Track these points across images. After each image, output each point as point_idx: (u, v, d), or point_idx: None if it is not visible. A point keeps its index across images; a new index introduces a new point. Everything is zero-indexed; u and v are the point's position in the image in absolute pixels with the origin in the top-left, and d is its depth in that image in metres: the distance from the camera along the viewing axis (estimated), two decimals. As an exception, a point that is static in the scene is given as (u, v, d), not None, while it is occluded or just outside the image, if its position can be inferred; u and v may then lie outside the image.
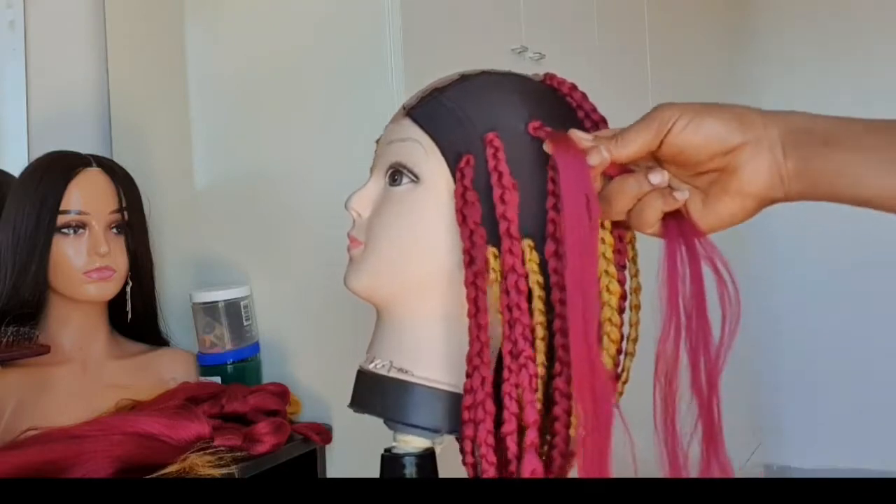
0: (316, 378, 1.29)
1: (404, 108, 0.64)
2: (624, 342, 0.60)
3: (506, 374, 0.57)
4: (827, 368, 3.15)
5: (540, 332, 0.57)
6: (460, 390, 0.61)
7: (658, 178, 0.56)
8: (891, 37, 3.04)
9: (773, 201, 0.56)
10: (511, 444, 0.56)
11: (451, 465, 0.66)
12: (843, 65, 3.09)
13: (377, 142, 0.67)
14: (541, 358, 0.57)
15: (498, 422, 0.57)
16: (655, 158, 0.57)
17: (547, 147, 0.57)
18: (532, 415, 0.56)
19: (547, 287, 0.59)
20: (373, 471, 0.64)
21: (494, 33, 1.52)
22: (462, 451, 0.59)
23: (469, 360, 0.58)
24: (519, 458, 0.56)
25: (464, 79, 0.63)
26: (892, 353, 3.01)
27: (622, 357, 0.60)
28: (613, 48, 2.00)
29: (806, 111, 0.56)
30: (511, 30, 1.55)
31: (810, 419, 3.19)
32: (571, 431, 0.57)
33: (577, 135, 0.57)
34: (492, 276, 0.58)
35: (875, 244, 2.89)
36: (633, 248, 0.62)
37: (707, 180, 0.56)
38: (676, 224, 0.56)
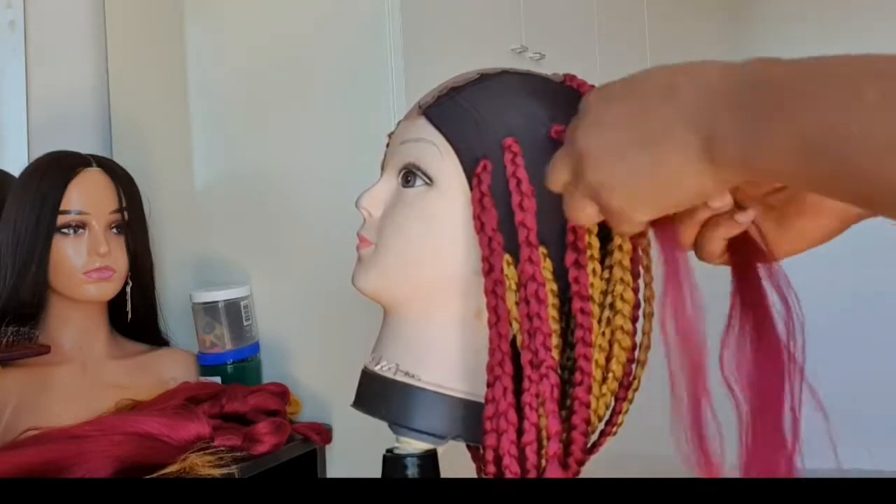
0: (316, 378, 1.29)
1: (419, 105, 0.62)
2: (636, 351, 0.60)
3: (526, 383, 0.56)
4: (827, 368, 3.15)
5: (555, 340, 0.57)
6: (468, 397, 0.60)
7: (718, 202, 0.48)
8: (893, 38, 3.04)
9: (860, 218, 0.48)
10: (531, 454, 0.56)
11: (452, 466, 0.66)
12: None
13: (389, 136, 0.66)
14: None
15: (518, 432, 0.56)
16: None
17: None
18: (555, 425, 0.55)
19: (561, 295, 0.58)
20: (373, 471, 0.64)
21: (494, 33, 1.52)
22: (483, 461, 0.58)
23: (490, 369, 0.58)
24: (538, 467, 0.56)
25: (482, 78, 0.62)
26: (893, 353, 3.02)
27: (633, 366, 0.60)
28: (613, 48, 2.00)
29: None
30: (511, 30, 1.55)
31: (810, 419, 3.18)
32: (590, 438, 0.57)
33: None
34: (505, 283, 0.57)
35: (876, 243, 2.89)
36: (648, 256, 0.60)
37: (783, 197, 0.50)
38: (744, 250, 0.50)
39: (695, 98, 0.42)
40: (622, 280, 0.57)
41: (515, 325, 0.57)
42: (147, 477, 0.94)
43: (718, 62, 0.43)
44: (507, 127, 0.59)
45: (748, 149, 0.40)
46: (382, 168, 0.65)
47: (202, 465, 0.97)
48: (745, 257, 0.50)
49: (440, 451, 0.63)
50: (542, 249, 0.57)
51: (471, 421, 0.60)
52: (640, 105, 0.45)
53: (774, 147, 0.39)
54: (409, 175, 0.61)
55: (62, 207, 1.14)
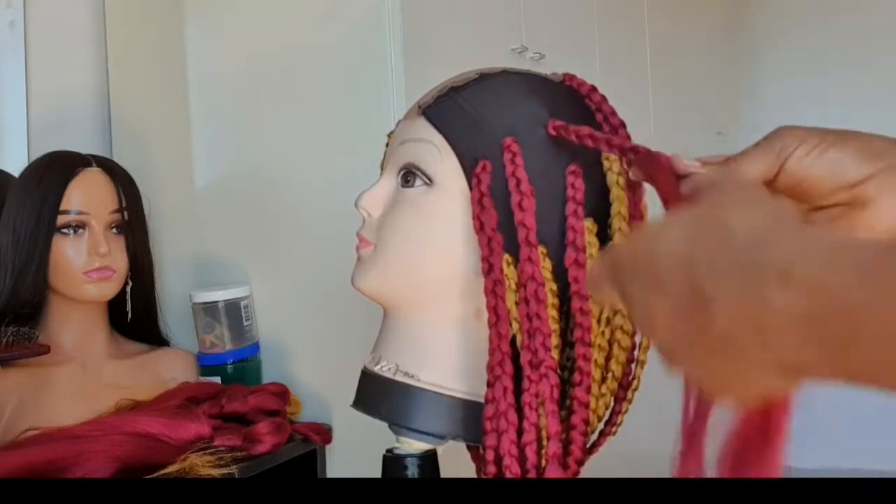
0: (316, 378, 1.29)
1: (419, 105, 0.62)
2: (636, 350, 0.60)
3: (526, 384, 0.56)
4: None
5: (554, 340, 0.57)
6: (468, 397, 0.60)
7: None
8: (889, 35, 3.04)
9: None
10: (531, 454, 0.56)
11: (452, 466, 0.66)
12: (842, 64, 3.09)
13: (388, 136, 0.66)
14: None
15: (518, 432, 0.56)
16: (770, 189, 0.51)
17: (634, 173, 0.53)
18: (554, 425, 0.55)
19: (561, 295, 0.58)
20: (373, 471, 0.64)
21: (494, 33, 1.52)
22: (484, 461, 0.58)
23: (490, 369, 0.58)
24: (538, 467, 0.56)
25: (482, 78, 0.62)
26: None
27: (633, 365, 0.60)
28: (613, 48, 2.00)
29: None
30: (511, 30, 1.55)
31: (810, 419, 3.19)
32: (589, 439, 0.57)
33: (680, 162, 0.50)
34: (505, 283, 0.57)
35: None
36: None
37: (829, 217, 0.50)
38: None
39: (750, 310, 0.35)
40: None
41: (515, 325, 0.57)
42: (147, 477, 0.94)
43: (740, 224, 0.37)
44: (507, 127, 0.59)
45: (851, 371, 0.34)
46: (382, 168, 0.65)
47: (202, 465, 0.97)
48: None
49: (440, 451, 0.63)
50: (541, 249, 0.57)
51: (470, 421, 0.60)
52: (680, 307, 0.38)
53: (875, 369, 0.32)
54: (409, 175, 0.61)
55: (62, 207, 1.14)
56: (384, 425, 0.63)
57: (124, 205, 1.19)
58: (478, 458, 0.66)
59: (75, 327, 1.19)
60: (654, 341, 0.42)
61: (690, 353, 0.39)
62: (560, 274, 0.58)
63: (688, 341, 0.38)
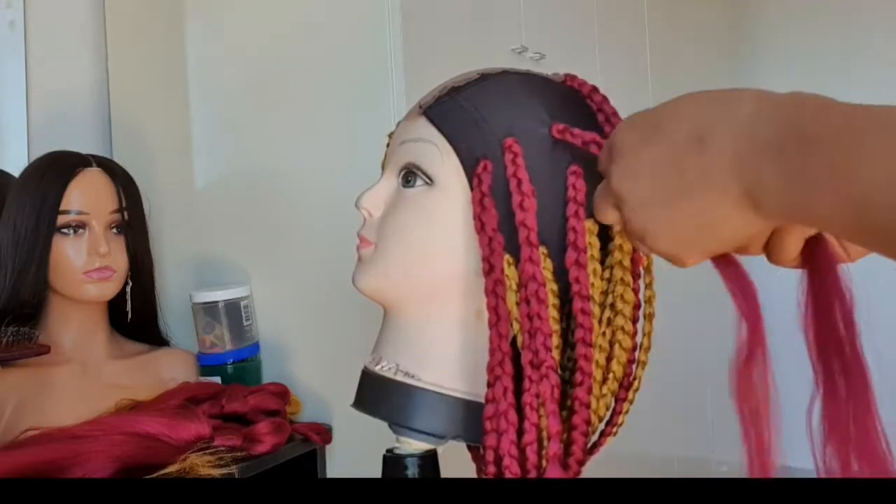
0: (316, 378, 1.29)
1: (420, 105, 0.62)
2: (636, 351, 0.60)
3: (526, 384, 0.56)
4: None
5: (555, 340, 0.57)
6: (469, 397, 0.60)
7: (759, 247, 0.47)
8: (890, 33, 3.04)
9: None
10: (531, 454, 0.56)
11: (451, 466, 0.66)
12: (842, 62, 3.09)
13: (389, 136, 0.66)
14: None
15: (518, 432, 0.56)
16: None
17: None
18: (555, 425, 0.55)
19: (562, 296, 0.58)
20: (373, 471, 0.64)
21: (494, 33, 1.52)
22: (484, 461, 0.58)
23: (490, 369, 0.58)
24: (539, 468, 0.56)
25: (483, 78, 0.62)
26: (891, 352, 3.02)
27: (634, 366, 0.60)
28: (613, 48, 2.00)
29: None
30: (511, 30, 1.55)
31: (810, 419, 3.18)
32: (590, 438, 0.57)
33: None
34: (506, 283, 0.57)
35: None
36: (650, 256, 0.59)
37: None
38: (819, 251, 0.46)
39: (732, 145, 0.41)
40: (623, 280, 0.57)
41: (516, 326, 0.57)
42: (147, 477, 0.94)
43: (749, 94, 0.42)
44: (508, 127, 0.59)
45: (796, 202, 0.39)
46: (382, 168, 0.65)
47: (202, 465, 0.97)
48: (821, 258, 0.47)
49: (440, 451, 0.63)
50: (542, 249, 0.57)
51: (471, 421, 0.60)
52: (671, 152, 0.44)
53: (826, 204, 0.37)
54: (410, 175, 0.61)
55: (62, 207, 1.14)
56: (384, 425, 0.63)
57: (124, 205, 1.19)
58: (478, 458, 0.66)
59: (75, 327, 1.19)
60: (635, 198, 0.46)
61: (667, 200, 0.44)
62: (561, 274, 0.58)
63: (668, 188, 0.44)
